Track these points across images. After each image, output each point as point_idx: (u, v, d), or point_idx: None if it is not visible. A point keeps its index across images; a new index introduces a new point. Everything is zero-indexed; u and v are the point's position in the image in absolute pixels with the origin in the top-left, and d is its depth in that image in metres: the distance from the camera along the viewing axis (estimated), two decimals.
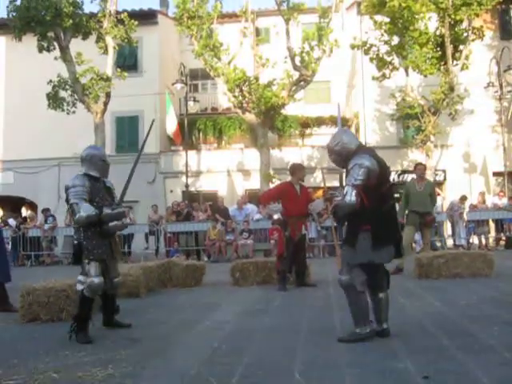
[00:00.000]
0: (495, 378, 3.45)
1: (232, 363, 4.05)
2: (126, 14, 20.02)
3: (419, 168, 10.36)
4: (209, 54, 19.62)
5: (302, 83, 19.71)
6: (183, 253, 16.19)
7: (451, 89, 19.21)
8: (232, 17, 23.24)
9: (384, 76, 20.06)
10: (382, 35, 19.62)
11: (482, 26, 19.99)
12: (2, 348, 5.03)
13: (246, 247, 16.11)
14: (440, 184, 21.24)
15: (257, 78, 19.48)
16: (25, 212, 24.30)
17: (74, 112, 19.68)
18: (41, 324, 6.15)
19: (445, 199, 18.83)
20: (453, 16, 18.65)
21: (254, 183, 21.26)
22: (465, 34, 19.50)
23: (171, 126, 22.65)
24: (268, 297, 7.59)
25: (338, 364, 3.95)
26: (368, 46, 19.91)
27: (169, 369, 4.06)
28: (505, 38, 22.59)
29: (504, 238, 17.34)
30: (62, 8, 18.32)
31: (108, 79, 19.23)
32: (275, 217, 8.57)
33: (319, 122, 24.48)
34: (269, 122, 20.05)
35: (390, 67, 19.93)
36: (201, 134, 25.37)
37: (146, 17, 23.46)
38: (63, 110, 19.62)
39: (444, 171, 22.44)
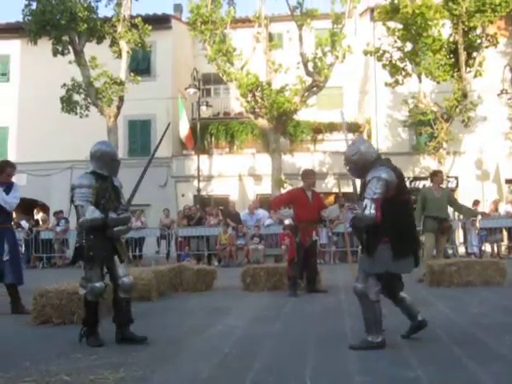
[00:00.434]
0: None
1: (242, 368, 4.05)
2: (139, 18, 20.15)
3: (440, 176, 10.54)
4: (222, 59, 19.69)
5: (314, 89, 19.72)
6: (194, 257, 16.22)
7: (464, 95, 19.16)
8: (245, 22, 23.35)
9: (397, 82, 20.03)
10: (395, 41, 19.61)
11: (495, 33, 19.94)
12: (13, 350, 5.05)
13: (257, 252, 16.04)
14: (452, 191, 21.06)
15: (269, 84, 19.53)
16: (37, 214, 24.42)
17: (87, 115, 19.81)
18: (53, 326, 6.15)
19: None
20: (466, 23, 18.62)
21: (266, 188, 21.25)
22: (478, 41, 19.47)
23: (183, 130, 22.76)
24: (278, 302, 7.57)
25: (349, 371, 3.94)
26: (381, 52, 19.90)
27: (179, 373, 4.07)
28: None
29: None
30: (76, 12, 18.54)
31: (121, 83, 19.37)
32: (286, 222, 8.57)
33: (331, 127, 24.39)
34: (281, 127, 20.05)
35: (403, 73, 19.90)
36: (213, 139, 25.36)
37: (159, 21, 23.56)
38: (76, 114, 19.76)
39: (456, 178, 22.33)
